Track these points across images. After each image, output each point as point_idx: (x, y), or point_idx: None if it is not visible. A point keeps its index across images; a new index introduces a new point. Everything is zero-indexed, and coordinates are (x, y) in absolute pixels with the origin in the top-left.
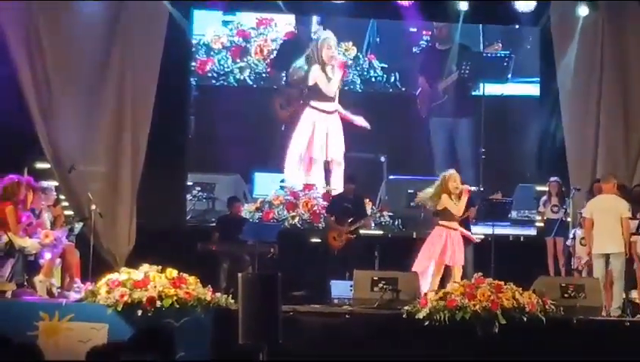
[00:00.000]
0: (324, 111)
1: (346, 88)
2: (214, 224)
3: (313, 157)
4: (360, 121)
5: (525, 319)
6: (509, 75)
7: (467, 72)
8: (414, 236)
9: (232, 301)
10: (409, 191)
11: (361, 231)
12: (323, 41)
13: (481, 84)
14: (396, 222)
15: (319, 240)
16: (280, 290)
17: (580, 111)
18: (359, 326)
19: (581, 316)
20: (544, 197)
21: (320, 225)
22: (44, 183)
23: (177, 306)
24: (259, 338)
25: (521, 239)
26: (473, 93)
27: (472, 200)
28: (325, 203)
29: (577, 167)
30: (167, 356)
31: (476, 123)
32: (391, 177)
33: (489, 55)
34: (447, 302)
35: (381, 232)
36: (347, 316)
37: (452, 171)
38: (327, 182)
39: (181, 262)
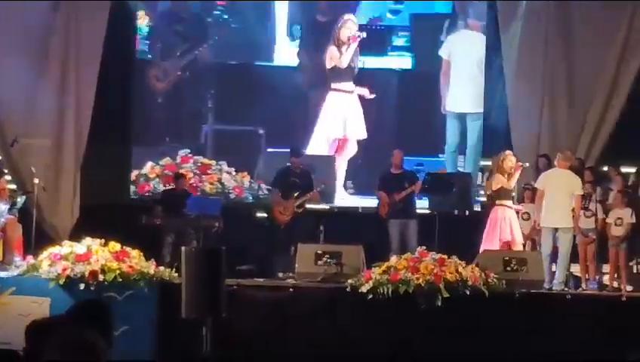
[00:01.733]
0: (344, 91)
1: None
2: (159, 198)
3: (337, 137)
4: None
5: (468, 292)
6: (389, 48)
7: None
8: (360, 210)
9: (176, 275)
10: (287, 164)
11: (307, 206)
12: (344, 22)
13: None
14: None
15: (265, 215)
16: (224, 264)
17: (525, 87)
18: (303, 300)
19: (523, 289)
20: (487, 172)
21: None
22: None
23: (120, 280)
24: (202, 312)
25: (467, 213)
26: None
27: (415, 175)
28: (204, 176)
29: (521, 141)
30: (105, 329)
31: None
32: (269, 150)
33: (370, 27)
34: (391, 276)
35: (327, 206)
36: (291, 290)
37: (507, 152)
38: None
39: (125, 236)
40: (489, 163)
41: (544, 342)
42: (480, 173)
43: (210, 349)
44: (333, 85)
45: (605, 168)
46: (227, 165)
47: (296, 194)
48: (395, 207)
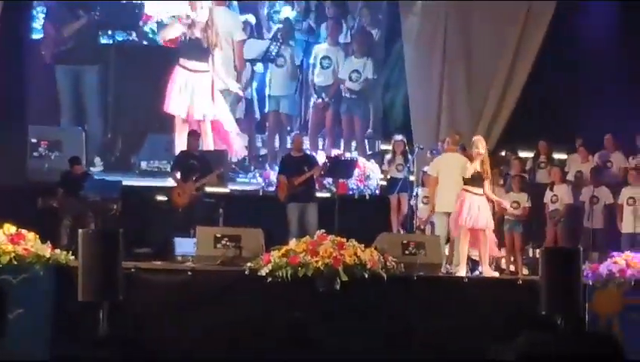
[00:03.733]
0: (191, 70)
1: None
2: (58, 180)
3: (179, 116)
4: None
5: (367, 275)
6: (140, 23)
7: (96, 17)
8: (261, 194)
9: (73, 258)
10: (32, 140)
11: (207, 188)
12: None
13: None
14: None
15: (165, 198)
16: (121, 247)
17: (424, 73)
18: (202, 283)
19: (421, 272)
20: (388, 156)
21: None
22: None
23: (15, 263)
24: (98, 296)
25: (367, 197)
26: (103, 41)
27: (314, 159)
28: None
29: (421, 126)
30: None
31: (104, 71)
32: None
33: (119, 1)
34: (290, 259)
35: (227, 190)
36: (189, 273)
37: (476, 137)
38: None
39: (22, 218)
40: (388, 147)
41: (442, 326)
42: (377, 157)
43: (107, 332)
44: (181, 62)
45: (503, 153)
46: None
47: (194, 177)
48: (295, 190)
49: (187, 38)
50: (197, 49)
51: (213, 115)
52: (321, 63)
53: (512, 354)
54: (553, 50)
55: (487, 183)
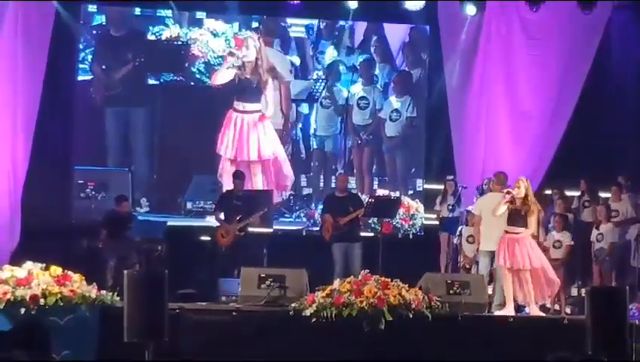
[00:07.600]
0: (243, 111)
1: None
2: (102, 221)
3: (229, 158)
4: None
5: (411, 315)
6: (187, 64)
7: (142, 60)
8: (304, 233)
9: (118, 298)
10: (79, 181)
11: (250, 229)
12: (246, 40)
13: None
14: None
15: (208, 238)
16: (166, 288)
17: (467, 111)
18: (246, 324)
19: (466, 312)
20: (440, 196)
21: None
22: None
23: (62, 304)
24: (144, 336)
25: (410, 236)
26: (150, 82)
27: (359, 198)
28: None
29: (465, 166)
30: (41, 353)
31: (150, 112)
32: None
33: (165, 43)
34: (334, 299)
35: (270, 230)
36: (234, 313)
37: (520, 176)
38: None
39: (67, 259)
40: (439, 186)
41: None
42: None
43: None
44: (234, 104)
45: (548, 192)
46: None
47: (238, 218)
48: (340, 230)
49: (238, 79)
50: (248, 90)
51: (268, 155)
52: (358, 104)
53: None
54: (597, 85)
55: (532, 221)
